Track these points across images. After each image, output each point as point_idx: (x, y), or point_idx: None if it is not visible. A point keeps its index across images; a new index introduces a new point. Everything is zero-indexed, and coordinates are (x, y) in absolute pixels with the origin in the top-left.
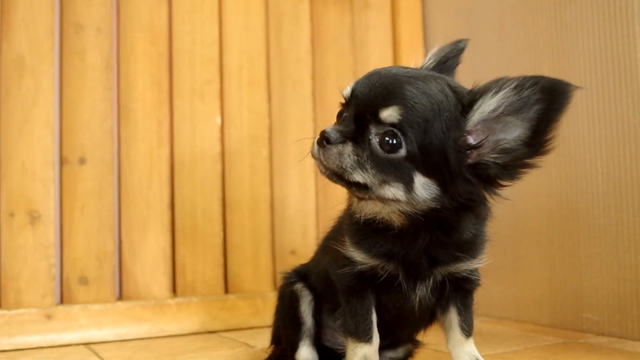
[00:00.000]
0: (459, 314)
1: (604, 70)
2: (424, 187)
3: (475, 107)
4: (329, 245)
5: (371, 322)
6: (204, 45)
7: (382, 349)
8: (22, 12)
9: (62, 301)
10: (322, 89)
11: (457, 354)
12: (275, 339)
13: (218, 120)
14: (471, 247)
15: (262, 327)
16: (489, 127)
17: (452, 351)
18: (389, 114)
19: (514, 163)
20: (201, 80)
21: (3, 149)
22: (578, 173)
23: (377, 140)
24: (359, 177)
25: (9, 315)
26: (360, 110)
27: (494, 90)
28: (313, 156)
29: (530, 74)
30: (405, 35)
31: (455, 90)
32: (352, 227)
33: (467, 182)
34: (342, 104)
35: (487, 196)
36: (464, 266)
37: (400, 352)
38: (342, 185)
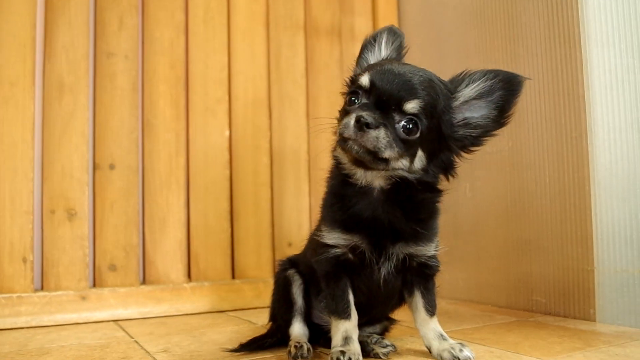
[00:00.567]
0: (423, 296)
1: (551, 91)
2: (419, 159)
3: (458, 94)
4: (310, 238)
5: (348, 301)
6: (215, 70)
7: (362, 325)
8: (62, 39)
9: (94, 285)
10: (315, 107)
11: (423, 331)
12: (273, 317)
13: (227, 132)
14: (426, 225)
15: (263, 307)
16: (465, 109)
17: (419, 329)
18: (412, 106)
19: (483, 135)
20: (213, 99)
21: (45, 155)
22: (529, 178)
23: (401, 125)
24: (387, 154)
25: (49, 296)
26: (384, 100)
27: (467, 81)
28: (345, 136)
29: None
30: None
31: (443, 80)
32: (332, 202)
33: (450, 151)
34: (358, 91)
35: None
36: (421, 250)
37: (377, 327)
38: (369, 159)
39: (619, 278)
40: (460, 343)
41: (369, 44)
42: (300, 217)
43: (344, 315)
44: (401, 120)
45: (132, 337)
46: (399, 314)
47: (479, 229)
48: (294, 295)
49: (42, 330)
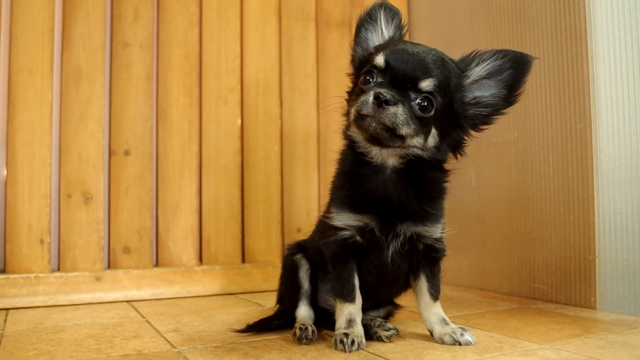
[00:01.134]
0: (428, 280)
1: (556, 84)
2: (433, 137)
3: (469, 73)
4: (318, 223)
5: (354, 285)
6: (228, 60)
7: (366, 309)
8: (80, 29)
9: (109, 266)
10: (325, 97)
11: (426, 315)
12: (280, 300)
13: (238, 121)
14: (434, 204)
15: (271, 290)
16: (475, 88)
17: (422, 312)
18: (427, 84)
19: (493, 114)
20: (225, 89)
21: (63, 141)
22: (533, 168)
23: (417, 103)
24: (404, 131)
25: (66, 277)
26: (399, 79)
27: (477, 60)
28: (364, 113)
29: None
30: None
31: (453, 59)
32: (342, 182)
33: (461, 129)
34: (373, 71)
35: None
36: (428, 230)
37: (382, 312)
38: (386, 136)
39: (619, 267)
40: (461, 327)
41: (366, 22)
42: (309, 203)
43: (349, 298)
44: (417, 98)
45: (144, 317)
46: (404, 300)
47: (484, 218)
48: (301, 280)
49: (58, 309)
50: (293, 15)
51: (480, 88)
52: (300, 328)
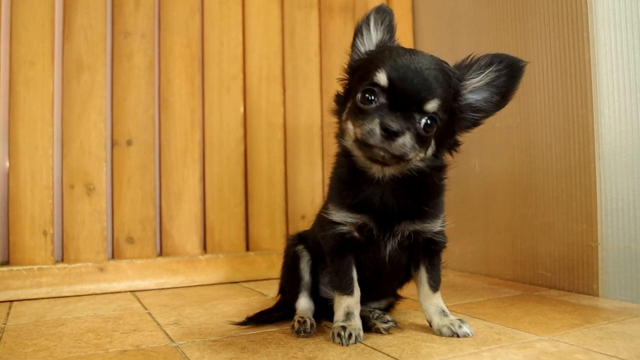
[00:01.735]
0: (427, 271)
1: (558, 70)
2: (431, 147)
3: (466, 80)
4: (318, 215)
5: (352, 278)
6: (230, 48)
7: (367, 300)
8: (80, 19)
9: (112, 257)
10: (328, 84)
11: (425, 306)
12: (282, 290)
13: (241, 109)
14: (433, 203)
15: (275, 278)
16: (472, 94)
17: (422, 303)
18: (433, 105)
19: (484, 117)
20: (228, 77)
21: (65, 132)
22: (536, 154)
23: (422, 125)
24: (412, 155)
25: (69, 268)
26: (404, 100)
27: (475, 68)
28: (371, 143)
29: None
30: (398, 39)
31: (452, 68)
32: (339, 188)
33: (454, 133)
34: (374, 89)
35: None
36: (427, 227)
37: (383, 303)
38: (393, 162)
39: (622, 254)
40: (459, 319)
41: (363, 28)
42: (313, 190)
43: (347, 291)
44: (421, 119)
45: (146, 309)
46: (407, 290)
47: (488, 204)
48: (301, 271)
49: (61, 300)
50: (295, 1)
51: (474, 92)
52: (298, 321)
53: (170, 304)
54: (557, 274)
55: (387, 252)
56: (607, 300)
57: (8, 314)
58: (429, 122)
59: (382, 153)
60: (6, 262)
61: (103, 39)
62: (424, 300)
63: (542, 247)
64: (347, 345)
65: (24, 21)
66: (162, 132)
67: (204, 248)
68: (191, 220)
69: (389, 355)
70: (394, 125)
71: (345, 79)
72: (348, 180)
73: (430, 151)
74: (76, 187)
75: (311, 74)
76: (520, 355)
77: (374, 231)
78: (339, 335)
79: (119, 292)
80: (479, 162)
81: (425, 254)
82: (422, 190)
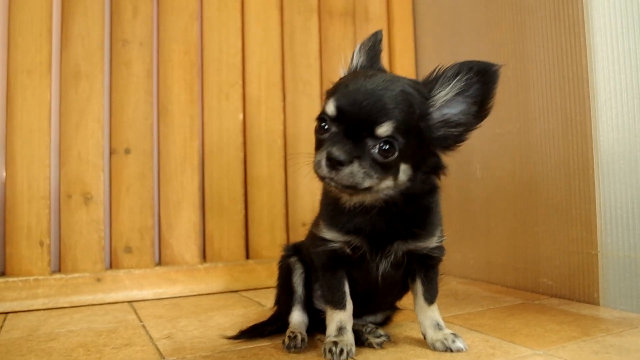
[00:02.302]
0: (423, 284)
1: (556, 75)
2: (404, 172)
3: (434, 96)
4: (310, 230)
5: (344, 292)
6: (229, 55)
7: (362, 314)
8: (78, 27)
9: (110, 266)
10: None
11: (421, 318)
12: (277, 302)
13: (241, 116)
14: (425, 224)
15: (275, 287)
16: (442, 106)
17: (417, 315)
18: (385, 129)
19: (466, 132)
20: (227, 84)
21: (63, 140)
22: (536, 160)
23: (376, 150)
24: (367, 184)
25: (66, 278)
26: (354, 127)
27: (441, 81)
28: (320, 175)
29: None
30: (399, 43)
31: (415, 85)
32: (328, 211)
33: (433, 155)
34: (326, 119)
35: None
36: (422, 245)
37: (379, 317)
38: (350, 191)
39: (622, 263)
40: (453, 334)
41: (354, 53)
42: (314, 197)
43: (339, 306)
44: (375, 145)
45: (141, 321)
46: (405, 301)
47: (489, 209)
48: (294, 284)
49: (57, 312)
50: (295, 7)
51: (448, 105)
52: (289, 336)
53: (166, 316)
54: (558, 282)
55: (380, 272)
56: (607, 310)
57: (1, 327)
58: (385, 147)
59: (332, 184)
60: (2, 273)
61: (101, 47)
62: (419, 312)
63: (543, 254)
64: None
65: (22, 30)
66: (161, 140)
67: (204, 257)
68: (190, 229)
69: None
70: (337, 154)
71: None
72: (336, 206)
73: (403, 176)
74: (74, 196)
75: (311, 80)
76: None
77: (366, 252)
78: (330, 351)
79: (116, 302)
80: (480, 167)
81: (421, 267)
82: (411, 215)
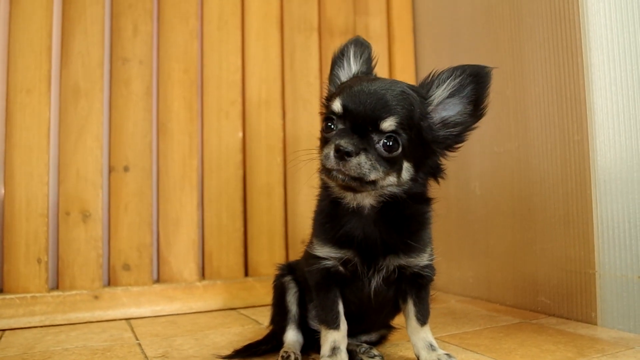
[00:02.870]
0: (415, 305)
1: (554, 95)
2: (406, 170)
3: (431, 97)
4: (305, 250)
5: (338, 312)
6: (229, 73)
7: (357, 333)
8: (78, 45)
9: (109, 284)
10: None
11: (414, 340)
12: (272, 321)
13: (240, 134)
14: (418, 237)
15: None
16: (441, 109)
17: (410, 337)
18: (389, 124)
19: (464, 131)
20: (227, 102)
21: (61, 158)
22: (534, 179)
23: (381, 145)
24: (373, 176)
25: (63, 295)
26: (360, 122)
27: (436, 82)
28: (328, 167)
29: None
30: (400, 60)
31: (413, 87)
32: (320, 220)
33: (434, 154)
34: (332, 117)
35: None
36: (413, 261)
37: (373, 336)
38: (356, 185)
39: (619, 283)
40: (447, 354)
41: (338, 59)
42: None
43: (333, 325)
44: (380, 140)
45: (137, 339)
46: (401, 319)
47: (488, 227)
48: (288, 303)
49: (54, 329)
50: (295, 25)
51: (446, 108)
52: (282, 356)
53: (162, 334)
54: (556, 302)
55: (372, 288)
56: (604, 330)
57: None
58: (389, 142)
59: (340, 176)
60: (0, 291)
61: (101, 65)
62: (412, 334)
63: (542, 273)
64: None
65: (21, 49)
66: (160, 158)
67: (202, 274)
68: (189, 246)
69: None
70: (345, 145)
71: (323, 113)
72: (330, 212)
73: (406, 174)
74: (72, 213)
75: (311, 98)
76: None
77: (358, 267)
78: None
79: (114, 320)
80: (479, 185)
81: (413, 287)
82: (405, 222)
